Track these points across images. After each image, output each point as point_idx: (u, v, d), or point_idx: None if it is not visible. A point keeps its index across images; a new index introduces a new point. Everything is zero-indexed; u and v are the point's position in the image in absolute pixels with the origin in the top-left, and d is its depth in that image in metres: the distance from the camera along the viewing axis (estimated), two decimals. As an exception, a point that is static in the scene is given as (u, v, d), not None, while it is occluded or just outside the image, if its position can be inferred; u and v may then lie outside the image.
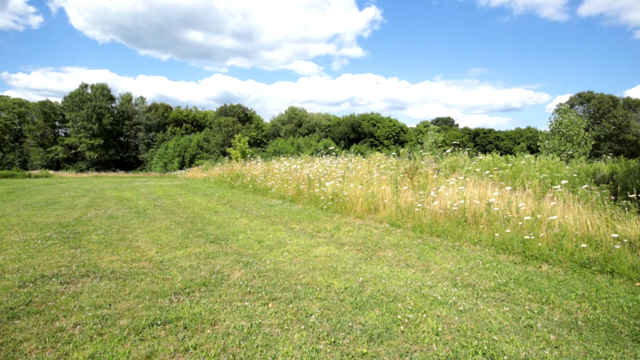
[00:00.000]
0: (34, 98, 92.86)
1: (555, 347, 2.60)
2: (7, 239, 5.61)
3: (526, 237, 5.01)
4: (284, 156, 17.96)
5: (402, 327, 2.87)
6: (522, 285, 3.77)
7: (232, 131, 45.40)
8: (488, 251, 5.01)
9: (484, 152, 13.64)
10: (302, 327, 2.88)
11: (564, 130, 23.32)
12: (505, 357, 2.47)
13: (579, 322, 2.98)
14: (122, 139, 54.80)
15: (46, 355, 2.43)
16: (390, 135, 62.47)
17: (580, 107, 57.91)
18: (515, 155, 10.68)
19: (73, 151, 51.61)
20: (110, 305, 3.22)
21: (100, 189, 15.43)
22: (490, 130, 70.83)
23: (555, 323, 2.97)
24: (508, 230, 5.34)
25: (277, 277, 3.98)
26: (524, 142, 63.25)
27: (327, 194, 9.06)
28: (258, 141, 54.04)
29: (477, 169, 8.33)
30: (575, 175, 7.27)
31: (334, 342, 2.66)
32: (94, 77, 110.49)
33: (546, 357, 2.48)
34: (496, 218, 5.87)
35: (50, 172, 36.58)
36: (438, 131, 18.81)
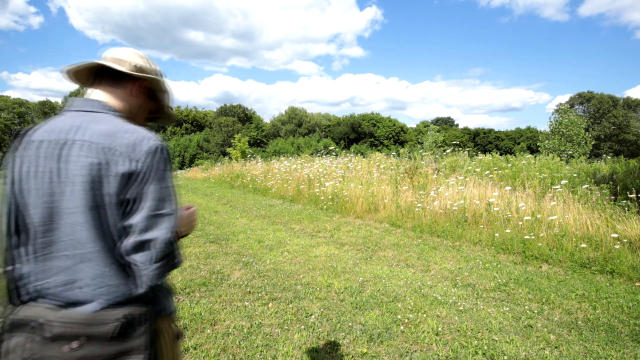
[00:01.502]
0: (34, 98, 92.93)
1: (555, 347, 2.60)
2: (7, 239, 5.62)
3: (526, 237, 5.01)
4: (284, 156, 17.95)
5: (402, 327, 2.87)
6: (522, 285, 3.77)
7: (232, 131, 45.42)
8: (488, 251, 5.01)
9: (484, 152, 13.64)
10: (302, 327, 2.88)
11: (564, 130, 23.33)
12: (505, 357, 2.47)
13: (579, 322, 2.98)
14: (122, 139, 54.78)
15: (46, 355, 2.43)
16: (390, 135, 62.47)
17: (580, 107, 57.90)
18: (515, 155, 10.69)
19: (73, 151, 51.66)
20: (110, 305, 3.22)
21: (100, 189, 15.41)
22: (490, 130, 70.83)
23: (555, 323, 2.97)
24: (508, 230, 5.34)
25: (277, 277, 3.98)
26: (524, 142, 63.26)
27: (327, 194, 9.06)
28: (258, 141, 54.04)
29: (477, 169, 8.33)
30: (575, 175, 7.27)
31: (333, 342, 2.66)
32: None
33: (546, 357, 2.48)
34: (496, 218, 5.87)
35: (50, 172, 36.56)
36: (438, 131, 18.81)
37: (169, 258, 0.98)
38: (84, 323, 0.90)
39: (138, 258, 0.95)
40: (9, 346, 0.89)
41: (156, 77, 1.15)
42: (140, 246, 0.94)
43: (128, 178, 0.94)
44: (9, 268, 0.96)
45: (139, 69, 1.11)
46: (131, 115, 1.14)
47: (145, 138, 0.99)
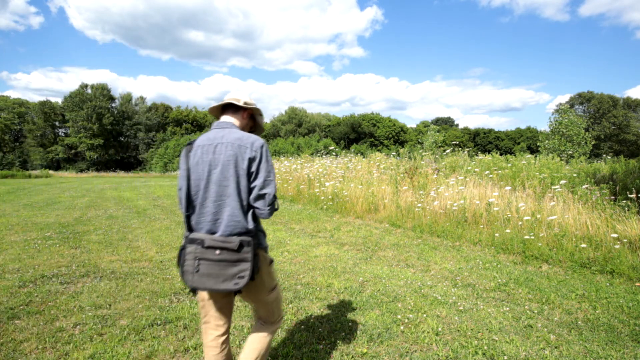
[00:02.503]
0: (34, 98, 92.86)
1: (555, 347, 2.60)
2: (7, 239, 5.61)
3: (526, 237, 5.01)
4: (284, 156, 17.94)
5: (402, 327, 2.87)
6: (522, 285, 3.77)
7: (232, 131, 45.28)
8: (488, 251, 5.01)
9: (484, 152, 13.62)
10: (302, 327, 2.88)
11: (564, 130, 23.31)
12: (505, 357, 2.47)
13: (579, 322, 2.98)
14: (122, 139, 54.75)
15: (46, 355, 2.43)
16: (390, 135, 62.44)
17: (580, 107, 57.89)
18: (515, 155, 10.68)
19: (73, 151, 51.62)
20: (110, 305, 3.22)
21: (100, 189, 15.43)
22: (490, 130, 70.81)
23: (555, 323, 2.97)
24: (508, 230, 5.34)
25: (277, 277, 3.97)
26: (524, 142, 63.23)
27: (327, 194, 9.06)
28: (258, 141, 53.69)
29: (477, 169, 8.33)
30: (575, 175, 7.26)
31: (334, 342, 2.66)
32: (94, 77, 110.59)
33: (546, 357, 2.48)
34: (496, 218, 5.87)
35: (51, 172, 36.58)
36: (438, 131, 18.77)
37: (274, 204, 1.78)
38: (221, 241, 1.67)
39: (259, 204, 1.75)
40: (188, 250, 1.70)
41: (256, 107, 1.94)
42: (260, 197, 1.74)
43: (251, 160, 1.73)
44: (187, 213, 1.78)
45: (246, 103, 1.89)
46: (242, 129, 1.91)
47: (257, 139, 1.78)
